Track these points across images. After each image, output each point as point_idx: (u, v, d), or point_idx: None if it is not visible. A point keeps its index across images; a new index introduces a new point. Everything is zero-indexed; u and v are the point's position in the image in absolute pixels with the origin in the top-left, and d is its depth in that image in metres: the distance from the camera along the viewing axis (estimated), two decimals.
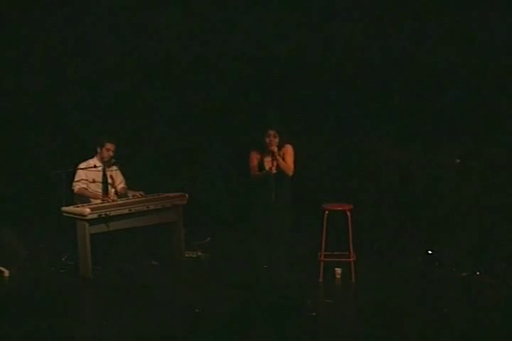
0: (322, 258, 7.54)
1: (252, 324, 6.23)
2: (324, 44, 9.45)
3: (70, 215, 7.63)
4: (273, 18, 9.44)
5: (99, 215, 7.57)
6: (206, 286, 7.40)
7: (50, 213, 8.48)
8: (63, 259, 8.01)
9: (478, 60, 8.91)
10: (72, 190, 8.03)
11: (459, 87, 9.02)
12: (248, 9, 9.46)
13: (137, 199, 8.03)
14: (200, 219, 9.18)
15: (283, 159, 7.15)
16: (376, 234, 8.68)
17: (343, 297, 7.32)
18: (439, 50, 9.08)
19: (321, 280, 7.55)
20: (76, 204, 7.86)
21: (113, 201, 7.93)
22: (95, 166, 8.05)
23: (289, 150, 7.22)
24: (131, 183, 8.36)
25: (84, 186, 8.03)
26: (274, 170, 7.07)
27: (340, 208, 7.54)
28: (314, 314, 6.58)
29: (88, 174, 8.06)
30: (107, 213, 7.62)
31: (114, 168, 8.26)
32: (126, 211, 7.79)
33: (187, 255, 8.41)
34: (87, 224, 7.50)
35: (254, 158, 7.23)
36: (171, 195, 8.22)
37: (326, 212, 7.49)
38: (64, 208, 7.68)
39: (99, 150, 8.11)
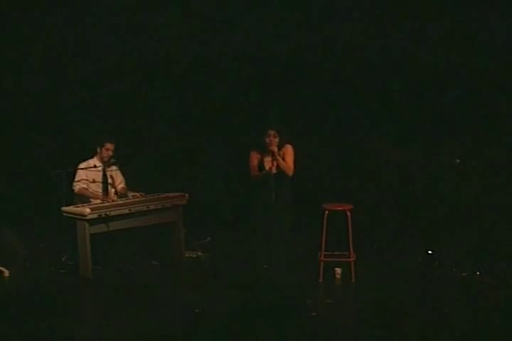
0: (322, 258, 7.54)
1: (252, 324, 6.23)
2: (324, 44, 9.45)
3: (70, 215, 7.63)
4: (273, 18, 9.44)
5: (99, 215, 7.57)
6: (206, 286, 7.40)
7: (50, 213, 8.47)
8: (63, 259, 8.01)
9: (478, 60, 8.92)
10: (73, 190, 8.03)
11: (459, 87, 9.02)
12: (248, 9, 9.47)
13: (137, 199, 8.03)
14: (200, 219, 9.18)
15: (283, 159, 7.15)
16: (376, 234, 8.68)
17: (343, 297, 7.32)
18: (439, 50, 9.09)
19: (321, 280, 7.55)
20: (76, 204, 7.86)
21: (113, 201, 7.92)
22: (95, 166, 8.05)
23: (289, 150, 7.22)
24: (131, 183, 8.36)
25: (85, 186, 8.03)
26: (274, 170, 7.07)
27: (340, 208, 7.54)
28: (314, 314, 6.58)
29: (88, 174, 8.06)
30: (107, 213, 7.62)
31: (114, 167, 8.26)
32: (126, 211, 7.78)
33: (187, 255, 8.41)
34: (87, 224, 7.50)
35: (254, 158, 7.23)
36: (171, 195, 8.22)
37: (326, 212, 7.49)
38: (64, 208, 7.68)
39: (98, 150, 8.11)
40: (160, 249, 8.26)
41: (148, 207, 7.94)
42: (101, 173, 8.10)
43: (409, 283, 7.51)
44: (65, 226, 7.76)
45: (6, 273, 7.76)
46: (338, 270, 7.61)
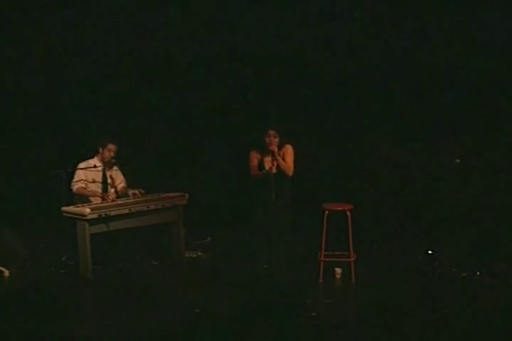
0: (322, 258, 7.53)
1: (252, 324, 6.23)
2: (324, 44, 9.46)
3: (70, 215, 7.62)
4: (273, 18, 9.45)
5: (99, 215, 7.56)
6: (206, 286, 7.40)
7: (50, 213, 8.48)
8: (63, 259, 8.01)
9: (478, 60, 8.91)
10: (71, 190, 8.02)
11: (459, 87, 9.02)
12: (248, 9, 9.47)
13: (137, 199, 8.02)
14: (200, 219, 9.18)
15: (283, 159, 7.15)
16: (376, 234, 8.68)
17: (343, 297, 7.32)
18: (439, 50, 9.09)
19: (321, 280, 7.55)
20: (76, 204, 7.86)
21: (112, 200, 7.92)
22: (95, 166, 8.04)
23: (289, 150, 7.22)
24: (131, 183, 8.35)
25: (83, 186, 8.02)
26: (274, 170, 7.07)
27: (340, 208, 7.54)
28: (314, 314, 6.58)
29: (88, 174, 8.05)
30: (107, 213, 7.61)
31: (115, 168, 8.26)
32: (126, 211, 7.78)
33: (187, 255, 8.41)
34: (87, 224, 7.49)
35: (254, 157, 7.23)
36: (171, 195, 8.22)
37: (326, 212, 7.49)
38: (64, 208, 7.68)
39: (100, 150, 8.09)
40: (160, 249, 8.25)
41: (148, 207, 7.94)
42: (101, 173, 8.09)
43: (409, 283, 7.51)
44: (65, 226, 7.76)
45: (6, 273, 7.75)
46: (338, 270, 7.60)
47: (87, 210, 7.48)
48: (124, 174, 8.35)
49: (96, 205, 7.73)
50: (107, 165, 8.15)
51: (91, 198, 7.99)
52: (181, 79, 9.90)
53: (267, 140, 7.12)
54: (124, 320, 6.45)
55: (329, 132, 9.51)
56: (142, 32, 9.78)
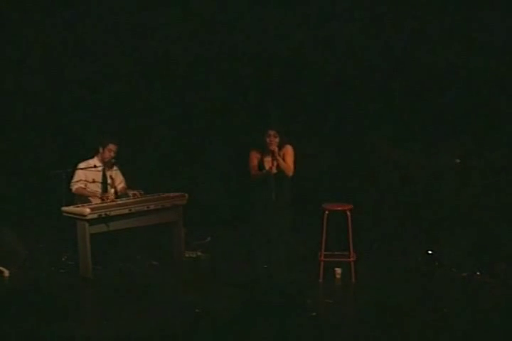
0: (322, 258, 7.53)
1: (252, 324, 6.22)
2: (324, 44, 9.46)
3: (70, 215, 7.62)
4: (273, 18, 9.45)
5: (99, 215, 7.56)
6: (206, 286, 7.40)
7: (50, 213, 8.48)
8: (63, 259, 8.01)
9: (478, 60, 8.92)
10: (70, 190, 8.01)
11: (459, 87, 9.02)
12: (248, 9, 9.47)
13: (137, 199, 8.02)
14: (200, 219, 9.18)
15: (283, 159, 7.15)
16: (376, 234, 8.68)
17: (343, 297, 7.32)
18: (439, 50, 9.09)
19: (321, 280, 7.55)
20: (76, 204, 7.86)
21: (112, 200, 7.92)
22: (95, 166, 8.04)
23: (289, 150, 7.22)
24: (131, 183, 8.35)
25: (82, 186, 8.02)
26: (274, 170, 7.07)
27: (340, 208, 7.54)
28: (314, 314, 6.58)
29: (88, 174, 8.05)
30: (107, 213, 7.61)
31: (115, 168, 8.26)
32: (126, 211, 7.78)
33: (187, 255, 8.40)
34: (87, 224, 7.49)
35: (254, 157, 7.23)
36: (171, 195, 8.22)
37: (326, 212, 7.49)
38: (64, 208, 7.67)
39: (101, 150, 8.08)
40: (160, 249, 8.26)
41: (148, 207, 7.93)
42: (101, 173, 8.09)
43: (409, 283, 7.50)
44: (65, 226, 7.76)
45: (6, 273, 7.75)
46: (338, 270, 7.60)
47: (87, 210, 7.48)
48: (123, 174, 8.34)
49: (96, 205, 7.73)
50: (107, 165, 8.14)
51: (90, 198, 7.99)
52: (181, 79, 9.90)
53: (267, 140, 7.12)
54: (124, 320, 6.45)
55: (329, 132, 9.51)
56: (142, 32, 9.78)
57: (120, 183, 8.27)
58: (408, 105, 9.25)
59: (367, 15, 9.23)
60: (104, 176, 8.12)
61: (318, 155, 9.35)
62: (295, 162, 7.21)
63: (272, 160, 7.08)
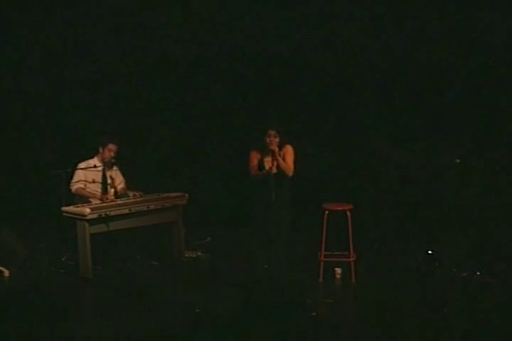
0: (322, 258, 7.53)
1: (252, 324, 6.23)
2: (324, 44, 9.46)
3: (70, 215, 7.62)
4: (273, 18, 9.45)
5: (99, 215, 7.56)
6: (206, 286, 7.40)
7: (50, 213, 8.47)
8: (63, 259, 8.01)
9: (478, 60, 8.91)
10: (70, 190, 8.01)
11: (459, 87, 9.02)
12: (248, 9, 9.47)
13: (137, 199, 8.02)
14: (200, 219, 9.18)
15: (283, 159, 7.15)
16: (376, 234, 8.68)
17: (343, 297, 7.32)
18: (439, 50, 9.09)
19: (321, 280, 7.55)
20: (76, 204, 7.86)
21: (111, 201, 7.92)
22: (95, 166, 8.04)
23: (289, 150, 7.22)
24: (131, 183, 8.35)
25: (82, 186, 8.02)
26: (274, 170, 7.07)
27: (340, 208, 7.54)
28: (314, 314, 6.58)
29: (88, 174, 8.05)
30: (107, 213, 7.61)
31: (114, 168, 8.25)
32: (126, 211, 7.78)
33: (187, 255, 8.40)
34: (87, 224, 7.49)
35: (254, 157, 7.24)
36: (171, 195, 8.22)
37: (326, 212, 7.49)
38: (64, 208, 7.68)
39: (101, 150, 8.08)
40: (160, 249, 8.25)
41: (148, 207, 7.94)
42: (100, 173, 8.09)
43: (409, 283, 7.50)
44: (65, 226, 7.76)
45: (6, 273, 7.75)
46: (338, 270, 7.60)
47: (87, 210, 7.48)
48: (123, 175, 8.34)
49: (96, 205, 7.73)
50: (107, 165, 8.14)
51: (90, 199, 7.99)
52: (181, 79, 9.90)
53: (267, 140, 7.13)
54: (124, 320, 6.45)
55: (329, 132, 9.50)
56: (142, 32, 9.78)
57: (120, 183, 8.27)
58: (408, 105, 9.24)
59: (367, 15, 9.23)
60: (104, 176, 8.12)
61: (318, 155, 9.34)
62: (295, 162, 7.22)
63: (272, 160, 7.09)
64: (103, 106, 9.98)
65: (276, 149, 7.09)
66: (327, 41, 9.42)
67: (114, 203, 7.83)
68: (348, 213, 7.46)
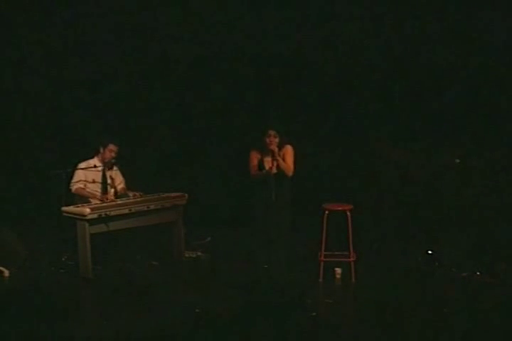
0: (322, 258, 7.53)
1: (252, 324, 6.23)
2: (324, 44, 9.45)
3: (70, 215, 7.62)
4: (273, 18, 9.45)
5: (99, 215, 7.57)
6: (206, 286, 7.40)
7: (50, 213, 8.47)
8: (63, 259, 8.01)
9: (478, 60, 8.91)
10: (70, 190, 8.01)
11: (459, 87, 9.02)
12: (248, 9, 9.47)
13: (137, 199, 8.02)
14: (200, 219, 9.18)
15: (283, 159, 7.15)
16: (376, 234, 8.68)
17: (343, 297, 7.32)
18: (439, 50, 9.08)
19: (321, 280, 7.55)
20: (76, 204, 7.86)
21: (111, 201, 7.92)
22: (95, 166, 8.04)
23: (289, 150, 7.22)
24: (131, 183, 8.36)
25: (82, 186, 8.02)
26: (274, 170, 7.07)
27: (340, 208, 7.54)
28: (314, 314, 6.58)
29: (88, 174, 8.05)
30: (107, 213, 7.61)
31: (114, 168, 8.25)
32: (126, 211, 7.78)
33: (187, 255, 8.41)
34: (87, 224, 7.49)
35: (254, 157, 7.24)
36: (171, 195, 8.22)
37: (326, 212, 7.49)
38: (64, 208, 7.68)
39: (101, 150, 8.08)
40: (160, 249, 8.25)
41: (148, 207, 7.94)
42: (100, 173, 8.09)
43: (409, 283, 7.51)
44: (65, 226, 7.76)
45: (6, 273, 7.75)
46: (338, 270, 7.60)
47: (87, 210, 7.48)
48: (123, 175, 8.34)
49: (96, 205, 7.73)
50: (107, 165, 8.14)
51: (90, 199, 7.99)
52: (181, 79, 9.90)
53: (267, 140, 7.13)
54: (124, 320, 6.45)
55: (329, 132, 9.50)
56: (142, 32, 9.78)
57: (120, 184, 8.27)
58: (408, 105, 9.24)
59: (367, 15, 9.23)
60: (104, 176, 8.12)
61: (318, 155, 9.34)
62: (295, 162, 7.22)
63: (272, 160, 7.08)
64: (103, 106, 9.98)
65: (276, 149, 7.09)
66: (327, 41, 9.42)
67: (114, 203, 7.83)
68: (348, 213, 7.46)
